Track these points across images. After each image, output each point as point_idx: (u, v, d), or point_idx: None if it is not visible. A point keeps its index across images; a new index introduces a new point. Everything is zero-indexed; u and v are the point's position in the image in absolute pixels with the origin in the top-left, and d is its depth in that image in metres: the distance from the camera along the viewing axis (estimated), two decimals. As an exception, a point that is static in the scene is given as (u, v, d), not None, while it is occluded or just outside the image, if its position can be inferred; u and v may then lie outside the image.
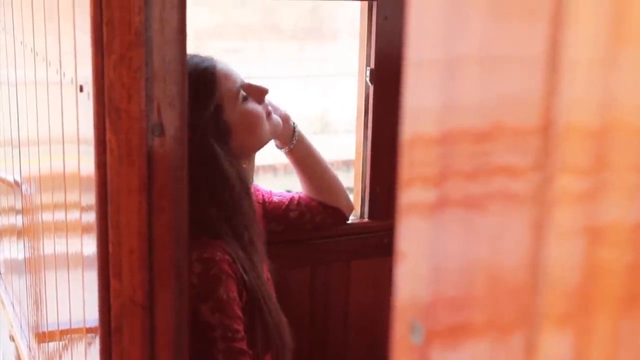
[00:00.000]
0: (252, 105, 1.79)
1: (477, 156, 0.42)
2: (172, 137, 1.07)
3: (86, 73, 1.07)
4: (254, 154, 1.87)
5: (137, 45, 1.04)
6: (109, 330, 1.10)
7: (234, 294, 1.65)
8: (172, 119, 1.07)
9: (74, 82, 1.17)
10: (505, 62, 0.39)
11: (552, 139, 0.36)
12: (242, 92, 1.77)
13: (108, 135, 1.05)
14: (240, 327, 1.64)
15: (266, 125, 1.82)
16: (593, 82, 0.34)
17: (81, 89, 1.12)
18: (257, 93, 1.82)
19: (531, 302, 0.37)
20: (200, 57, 1.76)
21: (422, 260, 0.46)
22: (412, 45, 0.47)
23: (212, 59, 1.77)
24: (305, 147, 2.10)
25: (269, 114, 1.84)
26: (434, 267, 0.46)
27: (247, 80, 1.81)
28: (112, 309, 1.09)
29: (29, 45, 1.55)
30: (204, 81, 1.70)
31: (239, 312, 1.66)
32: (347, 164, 9.10)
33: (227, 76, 1.76)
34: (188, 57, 1.69)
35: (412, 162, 0.47)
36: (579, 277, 0.35)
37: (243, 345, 1.64)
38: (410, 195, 0.47)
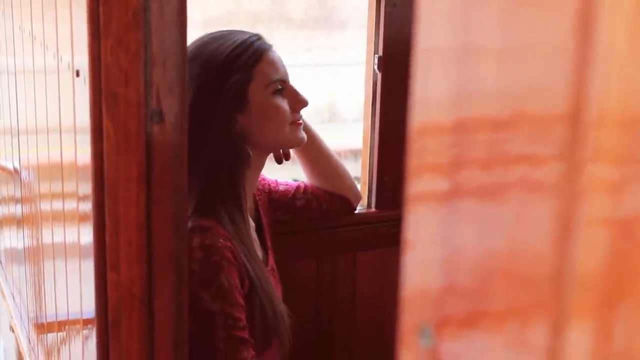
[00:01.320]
0: (280, 102, 1.75)
1: (495, 145, 0.40)
2: (172, 124, 1.03)
3: (82, 57, 1.03)
4: (264, 154, 1.82)
5: (135, 28, 1.00)
6: (107, 324, 1.06)
7: (236, 281, 1.63)
8: (171, 104, 1.03)
9: (70, 66, 1.13)
10: (527, 50, 0.37)
11: (582, 127, 0.34)
12: (279, 86, 1.74)
13: (105, 122, 1.01)
14: (242, 316, 1.62)
15: (285, 129, 1.77)
16: (627, 69, 0.32)
17: (77, 74, 1.08)
18: (295, 99, 1.78)
19: (556, 295, 0.36)
20: (262, 39, 1.75)
21: (433, 252, 0.44)
22: (423, 32, 0.45)
23: (270, 44, 1.76)
24: (310, 136, 2.07)
25: (297, 124, 1.80)
26: (446, 259, 0.44)
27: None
28: (110, 303, 1.05)
29: (27, 29, 1.51)
30: (249, 53, 1.68)
31: (241, 300, 1.63)
32: (355, 153, 9.08)
33: (272, 63, 1.74)
34: (247, 34, 1.70)
35: (421, 150, 0.45)
36: (607, 269, 0.34)
37: (245, 334, 1.61)
38: (420, 184, 0.45)
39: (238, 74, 1.68)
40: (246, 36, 1.72)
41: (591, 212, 0.34)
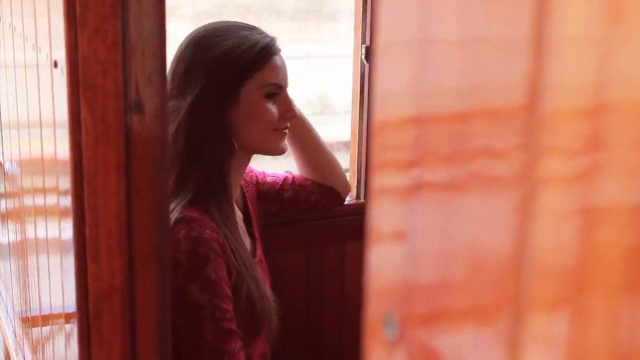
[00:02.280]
0: (269, 106, 1.74)
1: (455, 138, 0.40)
2: (152, 115, 1.02)
3: (60, 48, 1.02)
4: (246, 154, 1.81)
5: (113, 18, 0.98)
6: (88, 316, 1.05)
7: (223, 272, 1.62)
8: (151, 95, 1.02)
9: (49, 58, 1.12)
10: (485, 43, 0.37)
11: (538, 119, 0.34)
12: (273, 91, 1.74)
13: (83, 114, 1.00)
14: (230, 307, 1.62)
15: (269, 134, 1.77)
16: (583, 61, 0.33)
17: (55, 65, 1.07)
18: (286, 108, 1.78)
19: (517, 286, 0.35)
20: (273, 42, 1.74)
21: (396, 244, 0.44)
22: (383, 27, 0.45)
23: (278, 49, 1.76)
24: (303, 127, 2.06)
25: (281, 132, 1.79)
26: (409, 251, 0.43)
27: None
28: (90, 294, 1.05)
29: (8, 21, 1.50)
30: (254, 54, 1.69)
31: (228, 292, 1.63)
32: (347, 145, 9.03)
33: (274, 68, 1.73)
34: (261, 34, 1.70)
35: (383, 145, 0.45)
36: (572, 260, 0.33)
37: (232, 325, 1.61)
38: (383, 178, 0.45)
39: (237, 71, 1.68)
40: (257, 37, 1.72)
41: (549, 203, 0.34)
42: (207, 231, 1.61)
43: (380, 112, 0.45)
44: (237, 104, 1.71)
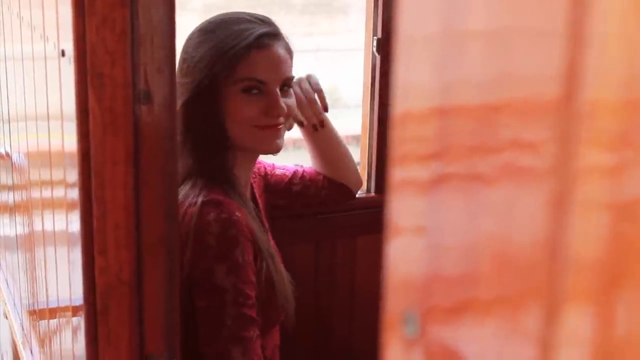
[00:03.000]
0: (244, 102, 1.69)
1: (483, 130, 0.39)
2: (161, 105, 1.00)
3: (68, 37, 1.00)
4: (246, 151, 1.79)
5: (121, 6, 0.97)
6: (95, 310, 1.04)
7: (250, 257, 1.62)
8: (160, 85, 1.00)
9: (56, 46, 1.10)
10: (516, 34, 0.37)
11: (576, 112, 0.33)
12: (251, 85, 1.68)
13: (90, 103, 0.98)
14: (252, 294, 1.61)
15: (249, 132, 1.71)
16: (621, 55, 0.32)
17: (63, 54, 1.05)
18: (270, 104, 1.70)
19: (550, 280, 0.35)
20: (263, 35, 1.69)
21: (418, 239, 0.43)
22: (405, 19, 0.44)
23: (268, 43, 1.69)
24: (328, 133, 2.03)
25: (269, 128, 1.72)
26: (432, 246, 0.42)
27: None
28: (98, 288, 1.03)
29: (15, 10, 1.48)
30: (239, 46, 1.65)
31: (253, 278, 1.62)
32: (357, 138, 9.00)
33: (256, 62, 1.67)
34: (253, 26, 1.66)
35: (404, 138, 0.44)
36: (604, 253, 0.33)
37: (253, 313, 1.61)
38: (403, 171, 0.44)
39: (217, 67, 1.65)
40: (250, 26, 1.68)
41: (587, 196, 0.33)
42: (236, 213, 1.61)
43: (401, 104, 0.43)
44: (221, 100, 1.68)
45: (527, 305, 0.36)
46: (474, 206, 0.39)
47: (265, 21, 1.74)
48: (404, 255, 0.44)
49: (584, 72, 0.33)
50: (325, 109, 2.00)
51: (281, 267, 1.78)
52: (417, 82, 0.43)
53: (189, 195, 1.63)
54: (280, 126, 1.74)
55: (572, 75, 0.33)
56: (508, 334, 0.37)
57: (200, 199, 1.61)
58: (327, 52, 10.76)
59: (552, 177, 0.34)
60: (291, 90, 1.77)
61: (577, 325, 0.34)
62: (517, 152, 0.36)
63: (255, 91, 1.69)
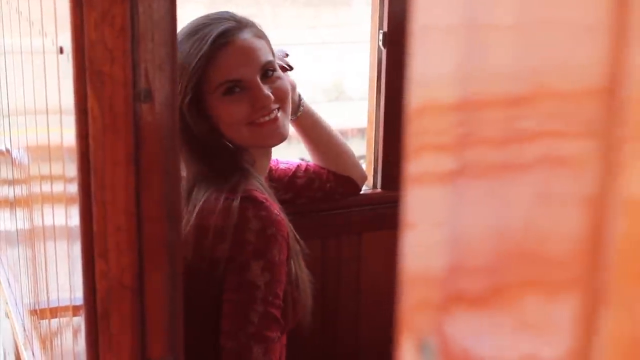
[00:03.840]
0: (229, 104, 1.66)
1: (509, 122, 0.37)
2: (162, 104, 0.97)
3: (66, 33, 0.97)
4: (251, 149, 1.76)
5: (121, 1, 0.93)
6: (95, 315, 1.01)
7: (284, 257, 1.62)
8: (161, 83, 0.97)
9: (54, 43, 1.07)
10: (551, 25, 0.35)
11: (618, 103, 0.31)
12: (230, 87, 1.65)
13: (90, 102, 0.95)
14: (281, 294, 1.61)
15: (242, 131, 1.68)
16: None
17: (61, 51, 1.02)
18: (255, 97, 1.66)
19: (588, 275, 0.33)
20: (224, 33, 1.64)
21: (437, 233, 0.41)
22: (422, 8, 0.42)
23: (230, 38, 1.64)
24: (310, 117, 2.00)
25: (258, 124, 1.68)
26: (453, 240, 0.41)
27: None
28: (98, 292, 1.00)
29: (14, 5, 1.44)
30: (202, 53, 1.61)
31: (284, 277, 1.62)
32: (362, 132, 8.99)
33: (223, 64, 1.63)
34: (210, 25, 1.62)
35: (421, 130, 0.42)
36: None
37: (279, 314, 1.60)
38: (421, 164, 0.43)
39: (194, 77, 1.62)
40: (206, 31, 1.64)
41: (630, 189, 0.31)
42: (276, 212, 1.62)
43: (417, 97, 0.42)
44: (209, 109, 1.66)
45: (560, 301, 0.35)
46: (500, 199, 0.38)
47: (223, 17, 1.69)
48: (422, 250, 0.42)
49: (628, 62, 0.31)
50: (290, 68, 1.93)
51: (303, 264, 1.77)
52: (436, 74, 0.41)
53: (221, 191, 1.62)
54: (275, 116, 1.70)
55: (614, 65, 0.32)
56: (537, 329, 0.36)
57: (239, 194, 1.61)
58: (332, 45, 10.72)
59: (590, 169, 0.33)
60: (277, 72, 1.73)
61: (616, 321, 0.32)
62: (549, 144, 0.35)
63: (237, 89, 1.66)
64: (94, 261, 0.99)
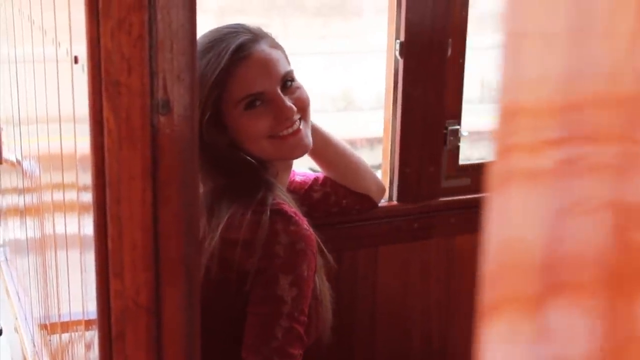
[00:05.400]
0: (251, 118, 1.63)
1: (615, 121, 0.36)
2: (181, 116, 0.93)
3: (81, 42, 0.93)
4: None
5: (138, 9, 0.89)
6: (110, 336, 0.96)
7: (313, 272, 1.61)
8: (180, 94, 0.93)
9: (69, 53, 1.03)
10: None
11: None
12: (251, 101, 1.62)
13: (106, 114, 0.91)
14: (307, 310, 1.59)
15: (263, 144, 1.66)
16: None
17: (76, 60, 0.98)
18: (277, 110, 1.63)
19: None
20: (241, 47, 1.60)
21: (530, 230, 0.41)
22: (512, 17, 0.42)
23: (248, 52, 1.61)
24: (320, 135, 1.96)
25: (280, 137, 1.66)
26: (542, 234, 0.40)
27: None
28: (113, 313, 0.95)
29: (27, 13, 1.41)
30: (221, 67, 1.58)
31: (310, 294, 1.61)
32: (371, 142, 8.97)
33: (244, 77, 1.60)
34: (227, 40, 1.58)
35: (514, 130, 0.42)
36: None
37: (302, 331, 1.58)
38: (509, 163, 0.42)
39: (213, 93, 1.59)
40: (222, 45, 1.61)
41: None
42: (305, 227, 1.61)
43: (508, 99, 0.41)
44: (226, 124, 1.63)
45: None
46: (598, 193, 0.37)
47: (237, 30, 1.66)
48: (509, 246, 0.41)
49: None
50: None
51: (324, 277, 1.74)
52: (531, 75, 0.40)
53: (247, 205, 1.59)
54: (298, 127, 1.67)
55: None
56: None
57: (267, 207, 1.59)
58: (341, 55, 10.70)
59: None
60: (296, 82, 1.70)
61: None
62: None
63: (258, 103, 1.62)
64: (109, 280, 0.95)
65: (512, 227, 0.42)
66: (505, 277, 0.42)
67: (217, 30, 1.66)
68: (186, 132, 0.94)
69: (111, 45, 0.89)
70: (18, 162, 1.82)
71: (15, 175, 1.92)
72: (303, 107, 1.68)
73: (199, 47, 1.60)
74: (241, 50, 1.60)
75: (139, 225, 0.94)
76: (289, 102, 1.64)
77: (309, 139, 1.71)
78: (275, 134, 1.65)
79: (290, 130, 1.66)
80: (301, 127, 1.68)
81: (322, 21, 11.06)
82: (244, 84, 1.60)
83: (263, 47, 1.64)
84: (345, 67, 10.51)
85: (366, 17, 11.24)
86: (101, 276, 0.95)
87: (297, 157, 1.76)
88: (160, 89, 0.92)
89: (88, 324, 1.08)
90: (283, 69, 1.66)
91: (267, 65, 1.63)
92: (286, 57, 1.71)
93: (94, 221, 0.94)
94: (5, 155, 2.09)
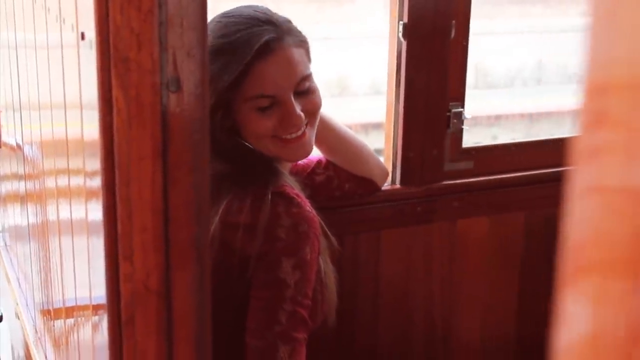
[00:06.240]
0: (257, 118, 1.60)
1: None
2: (191, 94, 0.90)
3: (88, 17, 0.90)
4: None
5: (148, -17, 0.86)
6: (119, 321, 0.94)
7: (316, 254, 1.58)
8: (190, 71, 0.90)
9: (74, 29, 1.00)
10: None
11: None
12: (263, 103, 1.58)
13: (115, 92, 0.88)
14: (310, 294, 1.57)
15: (266, 143, 1.63)
16: None
17: (82, 37, 0.94)
18: (283, 118, 1.60)
19: None
20: (267, 42, 1.56)
21: (611, 199, 0.40)
22: None
23: (271, 48, 1.57)
24: (321, 122, 1.93)
25: (284, 140, 1.62)
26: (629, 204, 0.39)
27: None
28: (123, 297, 0.93)
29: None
30: (241, 58, 1.54)
31: (313, 277, 1.58)
32: (365, 127, 8.93)
33: (261, 76, 1.56)
34: (254, 31, 1.54)
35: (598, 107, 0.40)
36: None
37: (306, 314, 1.56)
38: (596, 137, 0.41)
39: (226, 83, 1.55)
40: (244, 37, 1.56)
41: None
42: (307, 209, 1.58)
43: (597, 75, 0.39)
44: (237, 114, 1.60)
45: None
46: None
47: (260, 20, 1.60)
48: (600, 213, 0.40)
49: None
50: None
51: (329, 259, 1.72)
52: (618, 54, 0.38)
53: (248, 188, 1.59)
54: (302, 132, 1.64)
55: None
56: None
57: (269, 190, 1.56)
58: (335, 40, 10.65)
59: None
60: (313, 84, 1.66)
61: None
62: None
63: (269, 103, 1.59)
64: (118, 263, 0.92)
65: (594, 198, 0.40)
66: (595, 241, 0.40)
67: (237, 14, 1.61)
68: (197, 111, 0.91)
69: (120, 20, 0.86)
70: (18, 146, 1.79)
71: (16, 160, 1.88)
72: (313, 112, 1.66)
73: (218, 31, 1.57)
74: (265, 47, 1.56)
75: (149, 207, 0.91)
76: (298, 110, 1.61)
77: (312, 144, 1.69)
78: (278, 135, 1.62)
79: (294, 135, 1.63)
80: (306, 131, 1.65)
81: (316, 6, 11.01)
82: (259, 83, 1.57)
83: (286, 47, 1.60)
84: (340, 52, 10.47)
85: (360, 3, 11.19)
86: (110, 259, 0.92)
87: (295, 161, 1.74)
88: (170, 66, 0.89)
89: (96, 308, 1.06)
90: (301, 73, 1.62)
91: (287, 67, 1.60)
92: (308, 54, 1.67)
93: (103, 203, 0.91)
94: (4, 138, 2.06)
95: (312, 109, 1.65)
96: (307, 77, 1.64)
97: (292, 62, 1.60)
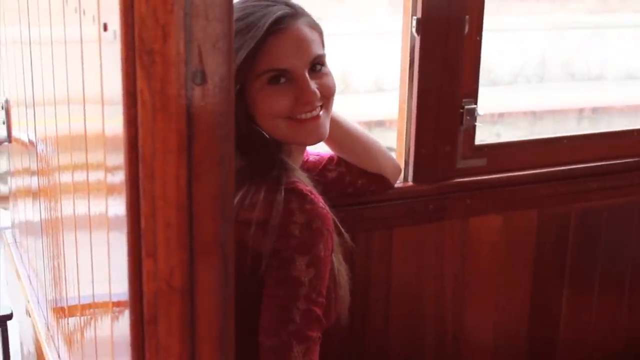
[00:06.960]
0: (270, 94, 1.57)
1: None
2: (217, 87, 0.88)
3: (111, 7, 0.88)
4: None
5: (174, -28, 0.84)
6: (142, 319, 0.92)
7: (330, 252, 1.56)
8: (216, 64, 0.88)
9: (95, 20, 0.98)
10: None
11: None
12: (276, 76, 1.56)
13: (139, 85, 0.86)
14: (324, 292, 1.55)
15: (277, 123, 1.60)
16: None
17: (105, 28, 0.92)
18: (300, 92, 1.57)
19: None
20: (283, 17, 1.55)
21: None
22: None
23: (287, 25, 1.55)
24: (342, 127, 1.92)
25: (298, 120, 1.60)
26: None
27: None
28: (145, 295, 0.91)
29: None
30: (256, 31, 1.52)
31: (327, 275, 1.56)
32: (368, 125, 8.92)
33: (277, 49, 1.54)
34: (271, 8, 1.52)
35: None
36: None
37: (320, 312, 1.54)
38: None
39: (240, 58, 1.52)
40: (259, 15, 1.54)
41: None
42: (321, 205, 1.56)
43: None
44: (250, 96, 1.58)
45: None
46: None
47: (283, 2, 1.60)
48: None
49: None
50: None
51: (341, 257, 1.70)
52: None
53: (260, 184, 1.56)
54: (317, 114, 1.62)
55: None
56: None
57: (282, 186, 1.54)
58: (338, 37, 10.63)
59: None
60: (326, 68, 1.65)
61: None
62: None
63: (283, 80, 1.57)
64: (141, 261, 0.90)
65: None
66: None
67: None
68: (223, 104, 0.89)
69: (145, 10, 0.84)
70: (31, 142, 1.77)
71: (28, 156, 1.86)
72: (327, 95, 1.63)
73: (235, 14, 1.55)
74: (278, 23, 1.55)
75: (174, 203, 0.89)
76: (313, 86, 1.59)
77: (326, 129, 1.65)
78: (293, 116, 1.59)
79: (309, 115, 1.60)
80: (321, 114, 1.62)
81: (319, 3, 11.00)
82: (272, 57, 1.55)
83: (300, 25, 1.58)
84: (342, 49, 10.45)
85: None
86: (133, 256, 0.90)
87: (310, 144, 1.71)
88: (196, 58, 0.87)
89: (116, 305, 1.03)
90: (315, 51, 1.60)
91: (300, 44, 1.58)
92: (322, 41, 1.65)
93: (127, 199, 0.89)
94: (15, 134, 2.04)
95: (327, 92, 1.63)
96: (321, 57, 1.62)
97: (305, 39, 1.59)
